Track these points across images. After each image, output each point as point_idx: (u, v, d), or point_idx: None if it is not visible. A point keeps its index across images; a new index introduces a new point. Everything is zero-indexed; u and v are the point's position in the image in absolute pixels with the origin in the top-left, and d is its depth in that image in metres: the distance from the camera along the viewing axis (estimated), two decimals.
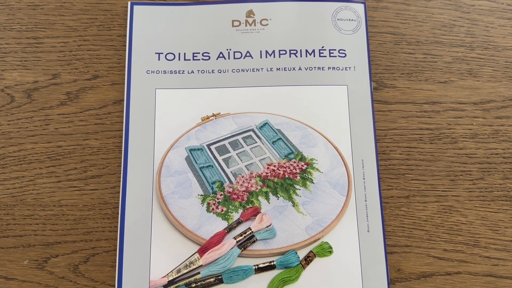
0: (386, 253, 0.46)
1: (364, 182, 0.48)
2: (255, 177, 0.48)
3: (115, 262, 0.46)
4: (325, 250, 0.45)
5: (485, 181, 0.50)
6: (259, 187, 0.47)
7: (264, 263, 0.45)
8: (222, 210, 0.46)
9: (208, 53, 0.52)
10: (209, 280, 0.44)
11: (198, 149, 0.49)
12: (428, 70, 0.53)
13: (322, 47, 0.52)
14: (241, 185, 0.48)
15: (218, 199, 0.47)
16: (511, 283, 0.47)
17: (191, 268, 0.44)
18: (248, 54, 0.52)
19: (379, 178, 0.48)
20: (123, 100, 0.50)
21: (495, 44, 0.54)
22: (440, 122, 0.51)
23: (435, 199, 0.49)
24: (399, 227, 0.48)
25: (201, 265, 0.44)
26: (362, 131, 0.49)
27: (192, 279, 0.44)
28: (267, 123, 0.50)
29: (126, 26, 0.53)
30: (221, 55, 0.52)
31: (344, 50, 0.52)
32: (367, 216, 0.47)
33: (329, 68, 0.51)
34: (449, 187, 0.50)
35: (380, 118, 0.51)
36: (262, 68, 0.51)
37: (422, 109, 0.52)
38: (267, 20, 0.53)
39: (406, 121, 0.51)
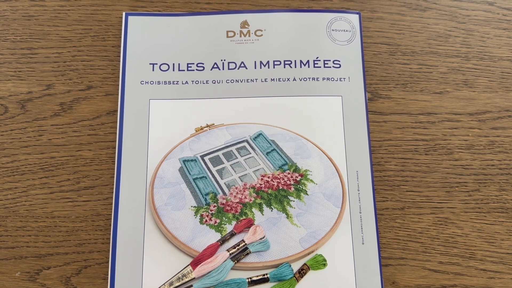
0: (381, 265, 0.46)
1: (359, 193, 0.48)
2: (249, 188, 0.48)
3: (107, 275, 0.45)
4: (319, 263, 0.45)
5: (481, 192, 0.49)
6: (252, 199, 0.47)
7: (257, 276, 0.44)
8: (216, 222, 0.46)
9: (203, 63, 0.52)
10: None
11: (192, 160, 0.49)
12: (423, 81, 0.53)
13: (317, 57, 0.52)
14: (235, 196, 0.47)
15: (211, 210, 0.47)
16: None
17: (183, 281, 0.44)
18: (242, 65, 0.52)
19: (373, 190, 0.48)
20: (117, 110, 0.50)
21: (491, 55, 0.54)
22: (436, 133, 0.51)
23: (431, 211, 0.49)
24: (394, 239, 0.48)
25: (194, 278, 0.44)
26: (356, 142, 0.49)
27: None
28: (261, 134, 0.50)
29: (120, 37, 0.53)
30: (215, 66, 0.52)
31: (339, 61, 0.52)
32: (361, 228, 0.46)
33: (323, 78, 0.51)
34: (445, 199, 0.49)
35: (375, 129, 0.51)
36: (256, 79, 0.51)
37: (417, 120, 0.51)
38: (261, 30, 0.53)
39: (401, 132, 0.51)
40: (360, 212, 0.47)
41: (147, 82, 0.51)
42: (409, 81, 0.53)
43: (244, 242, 0.45)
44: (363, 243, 0.46)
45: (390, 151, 0.51)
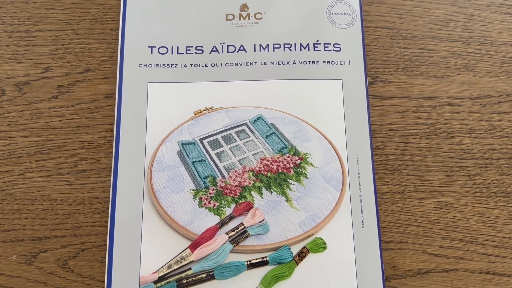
0: (381, 249, 0.45)
1: (359, 177, 0.47)
2: (248, 171, 0.47)
3: (105, 258, 0.45)
4: (319, 246, 0.45)
5: (482, 177, 0.49)
6: (252, 182, 0.47)
7: (256, 259, 0.44)
8: (214, 205, 0.46)
9: (202, 46, 0.51)
10: (200, 276, 0.43)
11: (191, 143, 0.49)
12: (424, 65, 0.52)
13: (317, 41, 0.51)
14: (234, 179, 0.47)
15: (210, 194, 0.46)
16: (510, 281, 0.46)
17: (182, 264, 0.43)
18: (242, 48, 0.51)
19: (374, 173, 0.48)
20: (115, 94, 0.50)
21: (492, 39, 0.53)
22: (436, 117, 0.51)
23: (431, 195, 0.48)
24: (395, 223, 0.47)
25: (193, 261, 0.43)
26: (357, 126, 0.49)
27: (183, 275, 0.43)
28: (260, 117, 0.50)
29: (119, 20, 0.53)
30: (214, 49, 0.51)
31: (339, 44, 0.51)
32: (361, 212, 0.46)
33: (323, 62, 0.50)
34: (446, 183, 0.49)
35: (375, 113, 0.51)
36: (256, 62, 0.51)
37: (418, 104, 0.51)
38: (261, 13, 0.52)
39: (402, 116, 0.51)
40: (360, 196, 0.46)
41: (146, 65, 0.50)
42: (409, 65, 0.52)
43: (243, 225, 0.45)
44: (363, 227, 0.45)
45: (391, 135, 0.50)
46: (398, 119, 0.50)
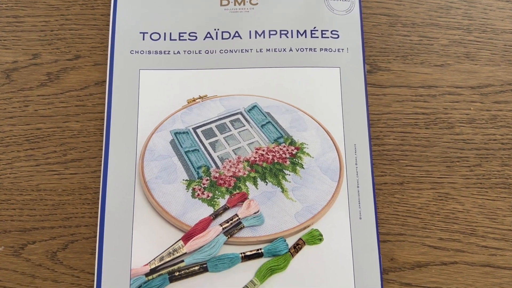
0: (379, 241, 0.45)
1: (357, 167, 0.46)
2: (243, 161, 0.47)
3: (95, 249, 0.44)
4: (315, 238, 0.44)
5: (482, 167, 0.48)
6: (247, 172, 0.46)
7: (251, 251, 0.43)
8: (208, 196, 0.45)
9: (195, 33, 0.50)
10: (193, 268, 0.43)
11: (184, 133, 0.48)
12: (423, 53, 0.51)
13: (314, 27, 0.50)
14: (228, 170, 0.46)
15: (204, 184, 0.45)
16: (510, 274, 0.45)
17: (174, 256, 0.43)
18: (237, 35, 0.50)
19: (372, 164, 0.47)
20: (106, 81, 0.49)
21: (494, 27, 0.52)
22: (436, 106, 0.50)
23: (431, 186, 0.48)
24: (393, 215, 0.47)
25: (185, 253, 0.43)
26: (355, 115, 0.48)
27: (175, 267, 0.43)
28: (256, 106, 0.49)
29: (110, 5, 0.52)
30: (208, 35, 0.50)
31: (337, 31, 0.50)
32: (359, 203, 0.45)
33: (321, 49, 0.50)
34: (445, 174, 0.48)
35: (374, 102, 0.50)
36: (251, 49, 0.50)
37: (417, 93, 0.50)
38: None
39: (401, 105, 0.50)
40: (358, 187, 0.46)
41: (137, 52, 0.49)
42: (409, 53, 0.51)
43: (237, 216, 0.44)
44: (360, 218, 0.45)
45: (389, 124, 0.49)
46: (397, 108, 0.50)
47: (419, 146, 0.49)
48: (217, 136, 0.48)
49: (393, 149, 0.49)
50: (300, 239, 0.44)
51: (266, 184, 0.46)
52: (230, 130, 0.48)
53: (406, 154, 0.49)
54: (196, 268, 0.43)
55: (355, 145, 0.47)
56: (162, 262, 0.43)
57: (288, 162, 0.47)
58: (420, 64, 0.51)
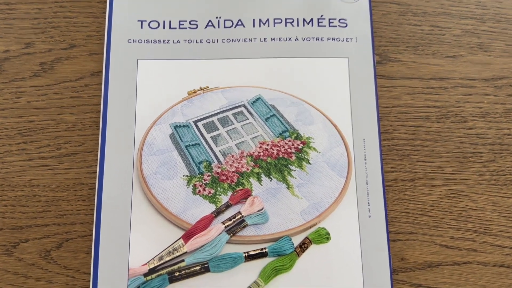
0: (388, 240, 0.43)
1: (366, 163, 0.45)
2: (246, 156, 0.46)
3: (91, 248, 0.44)
4: (322, 237, 0.43)
5: (496, 163, 0.47)
6: (250, 168, 0.45)
7: (255, 250, 0.42)
8: (210, 193, 0.44)
9: (196, 21, 0.49)
10: (194, 268, 0.42)
11: (184, 126, 0.47)
12: (435, 44, 0.50)
13: (321, 16, 0.49)
14: (231, 165, 0.45)
15: (205, 180, 0.44)
16: None
17: (174, 256, 0.42)
18: (239, 23, 0.49)
19: (381, 159, 0.46)
20: (102, 71, 0.48)
21: (508, 17, 0.50)
22: (448, 99, 0.48)
23: (443, 182, 0.46)
24: (403, 213, 0.46)
25: (186, 252, 0.42)
26: (363, 108, 0.47)
27: (175, 267, 0.42)
28: (260, 98, 0.48)
29: None
30: (210, 24, 0.49)
31: (345, 20, 0.49)
32: (368, 200, 0.44)
33: (328, 39, 0.48)
34: (458, 170, 0.47)
35: (384, 95, 0.49)
36: (255, 38, 0.48)
37: (429, 85, 0.49)
38: None
39: (412, 98, 0.49)
40: (367, 183, 0.45)
41: (135, 41, 0.48)
42: (420, 44, 0.50)
43: (240, 214, 0.43)
44: (369, 216, 0.44)
45: (400, 118, 0.48)
46: (407, 101, 0.49)
47: (430, 140, 0.47)
48: (219, 129, 0.47)
49: (404, 144, 0.47)
50: (307, 238, 0.43)
51: (271, 180, 0.45)
52: (233, 124, 0.47)
53: (417, 149, 0.47)
54: (197, 268, 0.42)
55: (364, 139, 0.46)
56: (161, 261, 0.42)
57: (293, 157, 0.46)
58: (431, 55, 0.50)
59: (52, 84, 0.48)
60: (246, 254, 0.42)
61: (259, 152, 0.46)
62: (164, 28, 0.49)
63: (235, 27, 0.49)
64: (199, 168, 0.45)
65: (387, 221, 0.44)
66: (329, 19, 0.49)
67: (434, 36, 0.50)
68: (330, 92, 0.47)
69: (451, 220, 0.45)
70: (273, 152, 0.46)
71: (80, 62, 0.49)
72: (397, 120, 0.48)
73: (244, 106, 0.48)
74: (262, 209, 0.43)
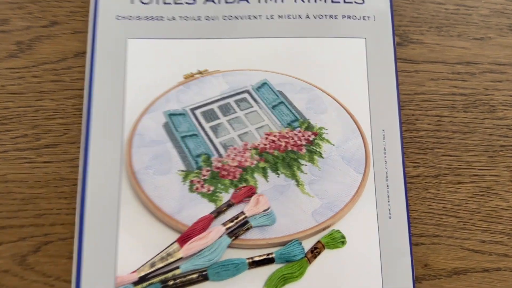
0: (411, 244, 0.41)
1: (385, 157, 0.43)
2: (251, 149, 0.44)
3: (73, 253, 0.41)
4: (337, 241, 0.41)
5: None
6: (255, 162, 0.43)
7: (260, 256, 0.40)
8: (209, 190, 0.42)
9: None
10: (191, 276, 0.39)
11: (180, 114, 0.45)
12: (461, 24, 0.48)
13: None
14: (233, 159, 0.43)
15: (203, 176, 0.42)
16: None
17: (168, 262, 0.40)
18: None
19: (403, 153, 0.43)
20: (87, 52, 0.45)
21: None
22: (476, 86, 0.46)
23: (470, 179, 0.44)
24: (427, 213, 0.43)
25: (181, 258, 0.40)
26: (383, 95, 0.44)
27: (169, 275, 0.39)
28: (266, 83, 0.46)
29: None
30: None
31: None
32: (388, 199, 0.42)
33: (343, 16, 0.46)
34: (487, 165, 0.44)
35: (405, 80, 0.46)
36: (260, 16, 0.46)
37: (454, 70, 0.47)
38: None
39: (436, 84, 0.46)
40: (387, 180, 0.42)
41: (125, 18, 0.46)
42: (444, 24, 0.48)
43: (244, 214, 0.41)
44: (390, 217, 0.42)
45: (423, 107, 0.46)
46: (431, 87, 0.46)
47: (457, 132, 0.45)
48: (219, 118, 0.45)
49: (427, 136, 0.45)
50: (319, 242, 0.41)
51: (278, 176, 0.43)
52: (235, 112, 0.45)
53: (442, 142, 0.45)
54: (195, 276, 0.40)
55: (383, 130, 0.44)
56: (153, 268, 0.39)
57: (304, 150, 0.43)
58: (457, 37, 0.47)
59: (30, 66, 0.46)
60: (250, 260, 0.40)
61: (265, 144, 0.44)
62: (157, 3, 0.46)
63: (238, 2, 0.46)
64: (196, 162, 0.43)
65: (409, 223, 0.42)
66: None
67: (460, 16, 0.48)
68: (345, 77, 0.45)
69: (479, 222, 0.43)
70: (280, 144, 0.44)
71: (62, 42, 0.47)
72: (420, 109, 0.46)
73: (248, 92, 0.46)
74: (268, 209, 0.41)
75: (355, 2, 0.46)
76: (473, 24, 0.47)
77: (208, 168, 0.43)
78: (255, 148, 0.43)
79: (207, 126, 0.44)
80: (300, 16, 0.45)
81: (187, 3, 0.46)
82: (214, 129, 0.44)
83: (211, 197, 0.42)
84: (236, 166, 0.43)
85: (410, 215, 0.43)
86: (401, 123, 0.44)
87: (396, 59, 0.45)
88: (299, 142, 0.44)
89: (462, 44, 0.47)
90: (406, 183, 0.42)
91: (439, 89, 0.46)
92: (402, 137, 0.43)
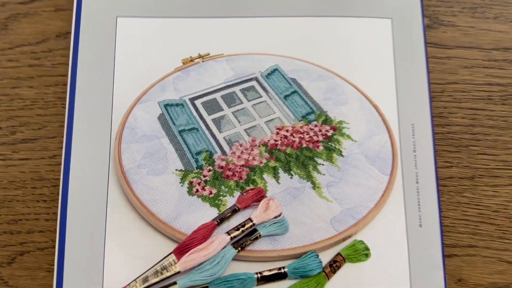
0: (443, 256, 0.39)
1: (415, 156, 0.41)
2: (259, 146, 0.42)
3: (53, 265, 0.40)
4: (359, 253, 0.39)
5: None
6: (264, 161, 0.41)
7: (270, 270, 0.38)
8: (211, 193, 0.40)
9: None
10: None
11: (177, 105, 0.43)
12: (498, 5, 0.46)
13: None
14: (239, 157, 0.41)
15: (205, 176, 0.41)
16: None
17: (163, 276, 0.37)
18: None
19: (435, 151, 0.41)
20: (71, 32, 0.44)
21: None
22: None
23: (510, 181, 0.42)
24: (461, 220, 0.41)
25: (179, 272, 0.37)
26: (412, 84, 0.43)
27: None
28: (277, 69, 0.44)
29: None
30: None
31: None
32: (418, 205, 0.40)
33: None
34: None
35: (435, 67, 0.44)
36: None
37: (490, 57, 0.45)
38: None
39: (470, 72, 0.44)
40: (417, 182, 0.40)
41: None
42: (479, 5, 0.46)
43: (251, 221, 0.39)
44: (420, 225, 0.39)
45: (456, 98, 0.44)
46: (465, 76, 0.44)
47: (494, 127, 0.43)
48: (223, 110, 0.44)
49: (461, 132, 0.43)
50: (339, 254, 0.39)
51: (291, 177, 0.41)
52: (242, 103, 0.44)
53: (478, 139, 0.43)
54: None
55: (412, 125, 0.42)
56: (146, 284, 0.37)
57: (321, 148, 0.42)
58: (493, 19, 0.46)
59: (6, 48, 0.45)
60: (259, 276, 0.38)
61: (275, 140, 0.42)
62: None
63: None
64: (197, 161, 0.41)
65: (441, 232, 0.39)
66: None
67: None
68: (369, 63, 0.43)
69: None
70: (294, 141, 0.42)
71: (43, 20, 0.45)
72: (453, 101, 0.44)
73: (257, 79, 0.44)
74: (279, 215, 0.39)
75: None
76: (511, 5, 0.46)
77: (210, 168, 0.41)
78: (265, 144, 0.42)
79: (208, 118, 0.43)
80: None
81: None
82: (217, 122, 0.43)
83: (214, 201, 0.40)
84: (242, 166, 0.41)
85: (443, 222, 0.40)
86: (432, 116, 0.42)
87: (426, 43, 0.43)
88: (315, 138, 0.42)
89: (499, 27, 0.45)
90: (438, 186, 0.40)
91: (473, 78, 0.44)
92: (433, 133, 0.41)
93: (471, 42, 0.45)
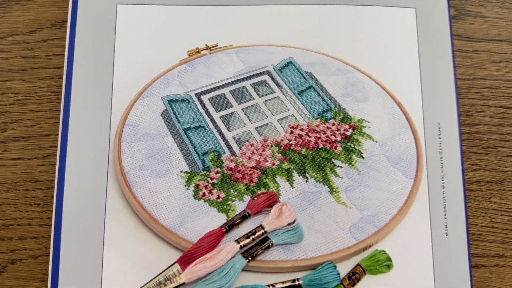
0: (471, 267, 0.38)
1: (441, 158, 0.39)
2: (272, 146, 0.40)
3: (47, 274, 0.38)
4: (381, 264, 0.37)
5: None
6: (277, 162, 0.40)
7: (283, 283, 0.36)
8: (219, 197, 0.39)
9: None
10: None
11: (182, 101, 0.42)
12: None
13: None
14: (249, 158, 0.40)
15: (212, 179, 0.39)
16: None
17: (168, 287, 0.35)
18: None
19: (462, 153, 0.40)
20: (67, 21, 0.43)
21: None
22: None
23: None
24: (490, 228, 0.40)
25: (184, 283, 0.36)
26: (437, 80, 0.41)
27: None
28: (291, 62, 0.43)
29: None
30: None
31: None
32: (444, 211, 0.38)
33: None
34: None
35: (462, 62, 0.43)
36: None
37: None
38: None
39: (499, 67, 0.43)
40: (443, 187, 0.39)
41: None
42: None
43: (263, 229, 0.37)
44: (446, 234, 0.38)
45: (484, 95, 0.43)
46: (493, 72, 0.43)
47: None
48: (232, 106, 0.42)
49: (489, 132, 0.42)
50: (358, 265, 0.37)
51: (307, 181, 0.39)
52: (253, 99, 0.42)
53: (507, 139, 0.42)
54: None
55: (438, 124, 0.40)
56: None
57: (339, 148, 0.40)
58: None
59: None
60: None
61: (289, 140, 0.40)
62: None
63: None
64: (203, 162, 0.40)
65: (468, 241, 0.38)
66: None
67: None
68: (392, 56, 0.42)
69: None
70: (309, 141, 0.40)
71: (36, 8, 0.44)
72: (480, 98, 0.43)
73: (269, 73, 0.43)
74: (293, 222, 0.38)
75: None
76: None
77: (218, 170, 0.40)
78: (277, 144, 0.40)
79: (216, 116, 0.42)
80: None
81: None
82: (226, 119, 0.42)
83: (222, 206, 0.38)
84: (253, 167, 0.40)
85: (470, 230, 0.39)
86: (459, 115, 0.41)
87: (452, 36, 0.42)
88: (333, 138, 0.41)
89: None
90: (466, 191, 0.39)
91: (502, 73, 0.43)
92: (460, 133, 0.40)
93: (500, 35, 0.44)
